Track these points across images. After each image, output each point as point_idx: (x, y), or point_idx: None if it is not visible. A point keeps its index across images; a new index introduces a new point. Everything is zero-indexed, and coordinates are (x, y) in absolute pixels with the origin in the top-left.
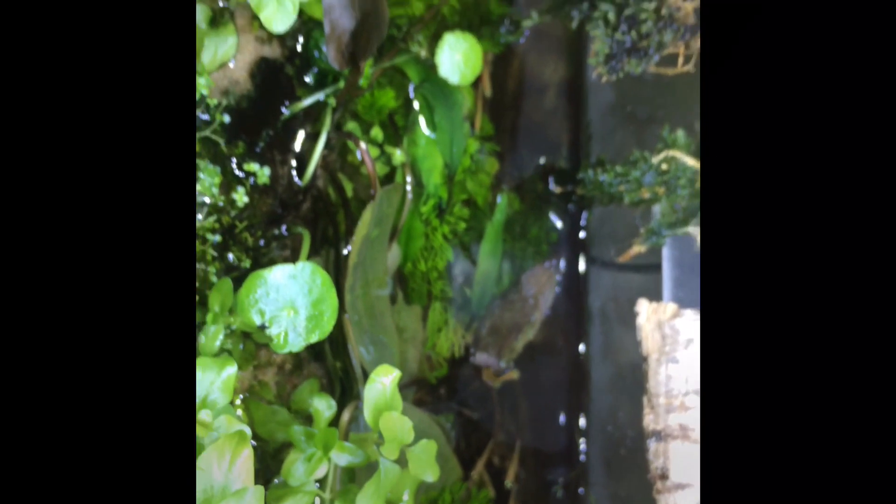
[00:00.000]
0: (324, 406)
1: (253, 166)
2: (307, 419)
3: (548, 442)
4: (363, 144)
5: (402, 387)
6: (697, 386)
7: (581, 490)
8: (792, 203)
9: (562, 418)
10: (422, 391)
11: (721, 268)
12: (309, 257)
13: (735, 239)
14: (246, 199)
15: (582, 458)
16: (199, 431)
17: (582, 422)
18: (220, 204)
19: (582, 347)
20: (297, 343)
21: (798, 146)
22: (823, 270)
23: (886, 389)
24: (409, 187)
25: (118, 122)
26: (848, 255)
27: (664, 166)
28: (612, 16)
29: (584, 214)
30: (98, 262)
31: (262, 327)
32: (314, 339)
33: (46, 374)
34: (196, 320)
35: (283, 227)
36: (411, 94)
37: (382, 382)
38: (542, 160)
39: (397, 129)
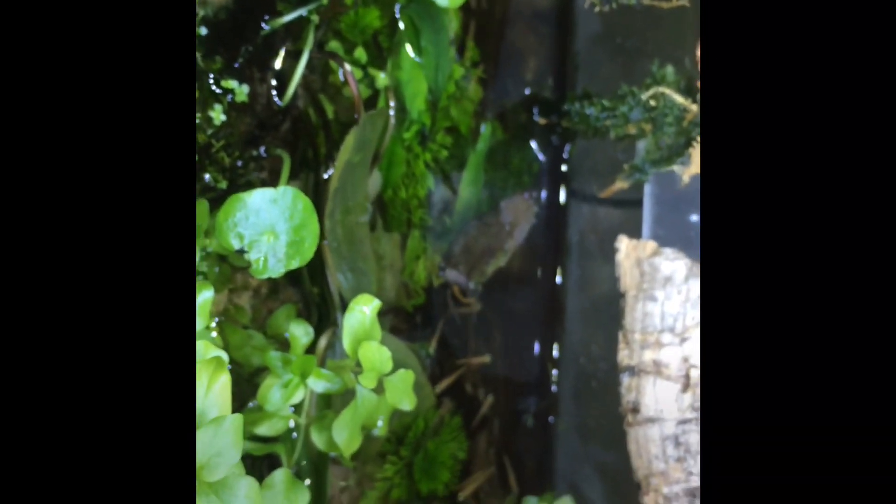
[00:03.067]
0: (301, 332)
1: (231, 83)
2: (283, 344)
3: (520, 371)
4: (347, 66)
5: (380, 314)
6: (673, 323)
7: (551, 419)
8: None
9: (535, 348)
10: (398, 319)
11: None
12: (287, 181)
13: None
14: (223, 118)
15: (553, 388)
16: None
17: (555, 353)
18: (196, 121)
19: (559, 279)
20: (276, 269)
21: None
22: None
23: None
24: (391, 112)
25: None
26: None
27: (652, 102)
28: None
29: (567, 147)
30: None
31: (241, 252)
32: (294, 265)
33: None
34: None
35: (262, 149)
36: (397, 15)
37: (362, 311)
38: (527, 90)
39: (381, 50)
